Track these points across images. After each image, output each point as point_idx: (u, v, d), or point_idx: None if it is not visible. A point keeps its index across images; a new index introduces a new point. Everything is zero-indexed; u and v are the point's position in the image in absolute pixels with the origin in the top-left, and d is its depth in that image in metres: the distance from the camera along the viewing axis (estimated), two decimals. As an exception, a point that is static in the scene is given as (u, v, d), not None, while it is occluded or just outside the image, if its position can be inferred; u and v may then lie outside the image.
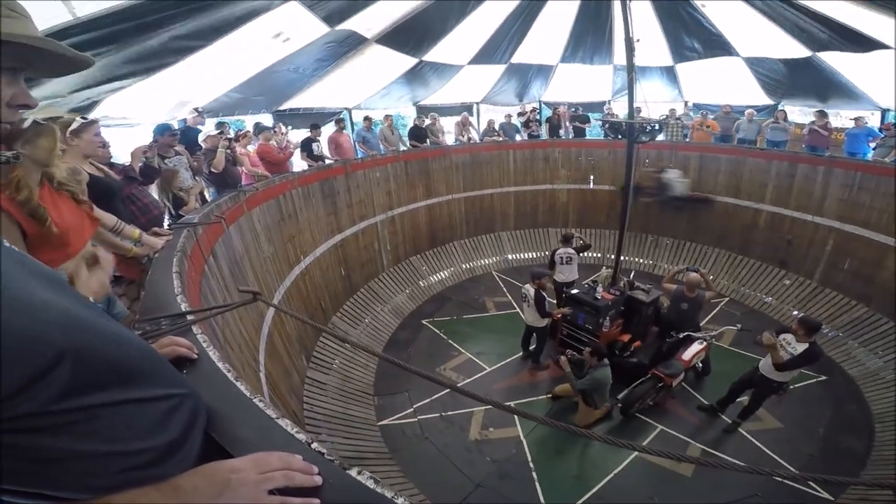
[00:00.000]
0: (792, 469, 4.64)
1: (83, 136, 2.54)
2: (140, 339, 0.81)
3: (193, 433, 0.80)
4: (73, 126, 2.47)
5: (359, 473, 0.79)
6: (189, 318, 1.46)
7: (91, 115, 4.63)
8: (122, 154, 4.42)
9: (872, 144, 8.20)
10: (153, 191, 4.43)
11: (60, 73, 0.80)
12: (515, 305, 7.80)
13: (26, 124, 1.86)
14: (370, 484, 0.77)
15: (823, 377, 5.93)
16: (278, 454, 0.77)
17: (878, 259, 6.67)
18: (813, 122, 8.68)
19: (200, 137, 5.66)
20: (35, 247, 1.84)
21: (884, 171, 6.73)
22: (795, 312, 7.22)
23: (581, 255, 7.11)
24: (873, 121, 9.04)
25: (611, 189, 9.57)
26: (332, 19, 6.60)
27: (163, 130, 4.68)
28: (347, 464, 0.81)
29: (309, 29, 6.59)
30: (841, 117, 9.95)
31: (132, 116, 6.19)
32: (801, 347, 4.33)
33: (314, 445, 0.84)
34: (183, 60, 5.50)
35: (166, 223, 3.80)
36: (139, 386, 0.69)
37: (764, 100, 10.63)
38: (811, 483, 4.47)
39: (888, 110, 8.91)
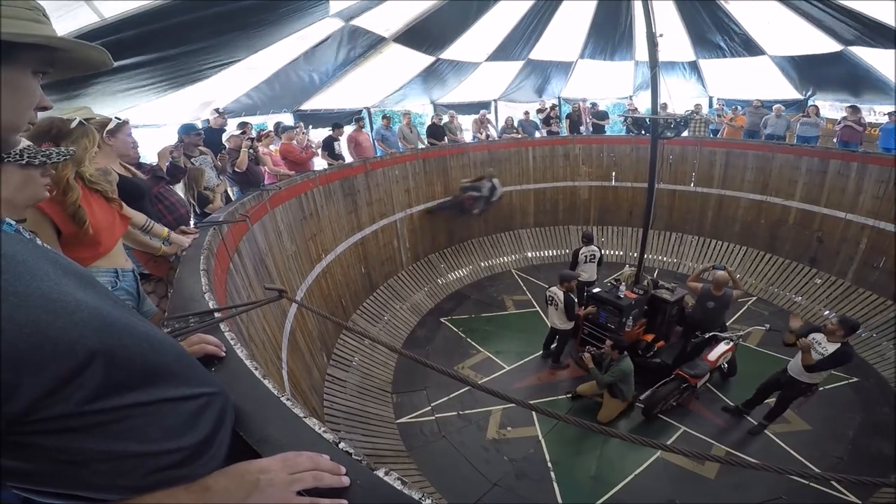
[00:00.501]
0: (817, 471, 4.48)
1: (118, 136, 2.61)
2: (171, 339, 0.82)
3: (222, 432, 0.80)
4: (110, 126, 2.54)
5: (386, 474, 0.79)
6: (217, 315, 1.48)
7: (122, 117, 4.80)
8: (149, 154, 4.55)
9: (909, 139, 7.86)
10: (179, 190, 4.54)
11: (78, 73, 0.80)
12: (535, 304, 7.74)
13: (73, 125, 1.93)
14: (398, 485, 0.77)
15: (854, 379, 5.71)
16: (307, 454, 0.77)
17: (916, 258, 6.39)
18: (845, 118, 8.36)
19: (224, 137, 5.77)
20: (67, 245, 1.90)
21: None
22: (827, 312, 6.98)
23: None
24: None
25: (633, 186, 9.40)
26: (346, 15, 6.70)
27: (188, 130, 4.78)
28: (374, 464, 0.80)
29: (324, 25, 6.68)
30: (874, 112, 9.56)
31: (158, 118, 6.36)
32: (831, 347, 4.18)
33: (342, 445, 0.84)
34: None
35: (192, 222, 3.88)
36: (170, 386, 0.69)
37: (793, 94, 10.29)
38: (837, 485, 4.30)
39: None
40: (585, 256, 6.81)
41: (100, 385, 0.56)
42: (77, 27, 3.74)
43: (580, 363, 5.14)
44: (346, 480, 0.76)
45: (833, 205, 7.50)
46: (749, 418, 5.15)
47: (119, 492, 0.63)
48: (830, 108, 10.30)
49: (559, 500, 4.39)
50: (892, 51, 7.22)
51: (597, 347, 5.75)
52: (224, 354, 1.16)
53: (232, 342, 1.24)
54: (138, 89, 5.17)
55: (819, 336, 4.33)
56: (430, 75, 9.84)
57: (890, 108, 8.57)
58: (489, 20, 8.56)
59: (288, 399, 0.97)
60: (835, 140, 8.51)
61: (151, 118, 6.31)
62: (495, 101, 12.41)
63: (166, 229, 2.63)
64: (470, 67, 10.23)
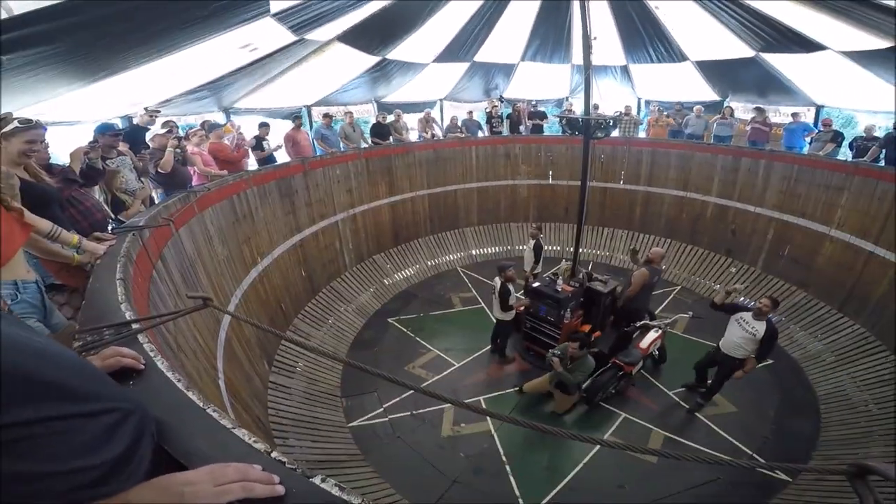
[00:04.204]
0: (748, 451, 4.91)
1: (12, 141, 2.35)
2: (72, 354, 0.77)
3: (141, 447, 0.76)
4: (6, 129, 2.28)
5: (322, 481, 0.76)
6: (134, 326, 1.37)
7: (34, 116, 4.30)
8: (61, 154, 4.12)
9: (808, 139, 8.76)
10: (97, 193, 4.16)
11: None
12: (481, 300, 7.87)
13: None
14: (335, 491, 0.74)
15: (770, 361, 6.26)
16: (235, 465, 0.73)
17: (814, 247, 7.17)
18: (753, 118, 9.19)
19: (148, 136, 5.35)
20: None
21: (819, 164, 7.23)
22: (742, 299, 7.63)
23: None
24: (808, 116, 9.66)
25: (569, 184, 9.77)
26: (300, 29, 6.47)
27: (104, 130, 4.38)
28: (310, 471, 0.77)
29: (276, 38, 6.44)
30: (780, 114, 10.55)
31: (73, 114, 5.75)
32: (759, 325, 4.63)
33: (274, 454, 0.80)
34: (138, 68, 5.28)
35: (110, 227, 3.57)
36: (73, 402, 0.66)
37: (711, 95, 11.12)
38: (762, 462, 4.73)
39: (822, 107, 9.54)
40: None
41: None
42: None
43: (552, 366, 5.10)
44: (280, 489, 0.73)
45: (744, 199, 8.23)
46: (682, 402, 5.54)
47: None
48: (743, 109, 11.23)
49: (516, 492, 4.49)
50: (798, 55, 7.97)
51: (540, 344, 5.95)
52: (143, 367, 1.08)
53: (152, 354, 1.15)
54: (47, 81, 4.61)
55: (746, 315, 4.79)
56: (376, 74, 9.68)
57: (793, 109, 9.52)
58: (437, 21, 8.54)
59: (214, 410, 0.91)
60: (746, 139, 9.34)
61: (66, 115, 5.68)
62: (441, 100, 12.44)
63: (77, 236, 2.39)
64: (418, 68, 10.19)
